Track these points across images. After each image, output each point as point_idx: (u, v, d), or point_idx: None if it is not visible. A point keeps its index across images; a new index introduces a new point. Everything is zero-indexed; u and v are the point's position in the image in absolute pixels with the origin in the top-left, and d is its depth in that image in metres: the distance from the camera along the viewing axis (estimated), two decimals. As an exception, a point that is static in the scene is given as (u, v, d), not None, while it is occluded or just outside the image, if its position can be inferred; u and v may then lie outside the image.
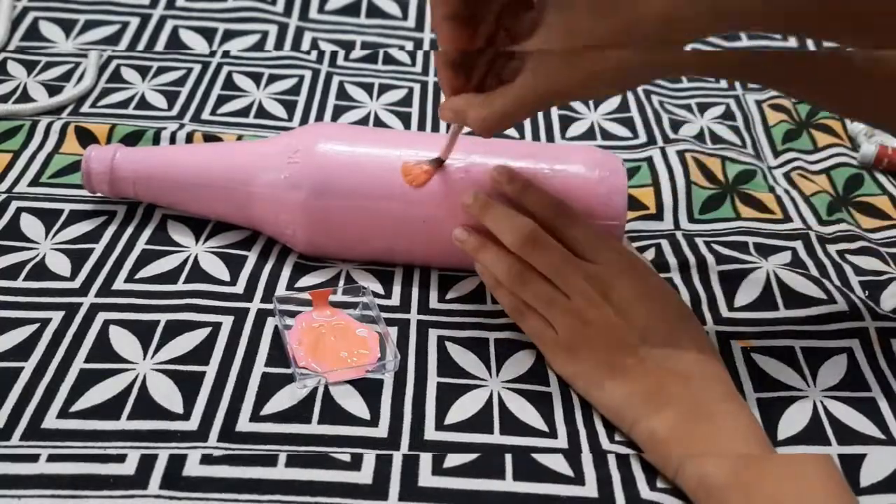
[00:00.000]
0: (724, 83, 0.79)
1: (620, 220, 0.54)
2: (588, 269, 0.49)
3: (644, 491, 0.45)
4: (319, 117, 0.71)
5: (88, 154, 0.58)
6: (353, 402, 0.48)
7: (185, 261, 0.56)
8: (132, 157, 0.58)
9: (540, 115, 0.74)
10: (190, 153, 0.59)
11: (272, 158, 0.55)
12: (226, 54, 0.76)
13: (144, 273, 0.55)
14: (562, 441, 0.47)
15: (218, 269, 0.56)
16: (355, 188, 0.54)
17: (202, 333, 0.51)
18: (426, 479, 0.45)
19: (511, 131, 0.72)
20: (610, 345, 0.48)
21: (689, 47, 0.44)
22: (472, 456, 0.46)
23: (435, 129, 0.71)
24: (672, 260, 0.59)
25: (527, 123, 0.73)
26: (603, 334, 0.48)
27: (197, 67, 0.75)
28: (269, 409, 0.48)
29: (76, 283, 0.54)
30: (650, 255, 0.60)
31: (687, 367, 0.47)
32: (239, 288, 0.55)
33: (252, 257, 0.57)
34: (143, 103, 0.70)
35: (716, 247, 0.61)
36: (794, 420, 0.49)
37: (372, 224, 0.55)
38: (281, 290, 0.55)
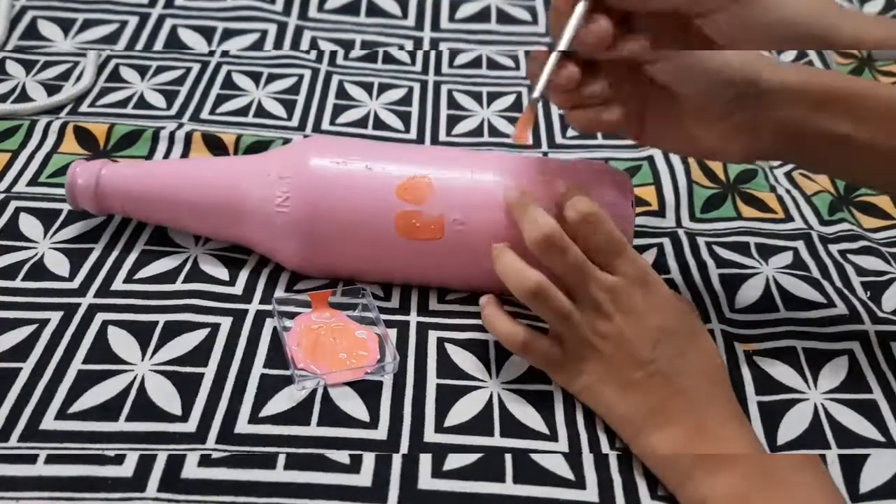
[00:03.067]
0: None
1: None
2: (602, 280, 0.48)
3: (645, 498, 0.45)
4: (319, 116, 0.71)
5: (73, 170, 0.55)
6: (353, 404, 0.48)
7: (185, 262, 0.56)
8: (118, 175, 0.56)
9: (540, 115, 0.73)
10: (178, 175, 0.56)
11: (262, 185, 0.53)
12: (225, 53, 0.76)
13: (143, 273, 0.55)
14: (562, 444, 0.47)
15: (217, 270, 0.56)
16: (347, 234, 0.52)
17: (201, 334, 0.51)
18: (426, 481, 0.45)
19: (513, 130, 0.71)
20: (619, 358, 0.47)
21: None
22: (473, 458, 0.46)
23: (435, 128, 0.71)
24: (672, 262, 0.59)
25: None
26: (612, 347, 0.47)
27: (196, 67, 0.74)
28: (267, 410, 0.47)
29: (75, 284, 0.54)
30: (652, 254, 0.60)
31: (693, 385, 0.46)
32: (238, 289, 0.55)
33: (251, 259, 0.57)
34: (142, 102, 0.70)
35: (716, 248, 0.61)
36: (794, 423, 0.49)
37: (365, 263, 0.54)
38: (280, 291, 0.55)
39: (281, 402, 0.48)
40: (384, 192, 0.52)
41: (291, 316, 0.53)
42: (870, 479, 0.46)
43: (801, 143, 0.48)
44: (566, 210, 0.49)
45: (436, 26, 0.83)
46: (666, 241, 0.61)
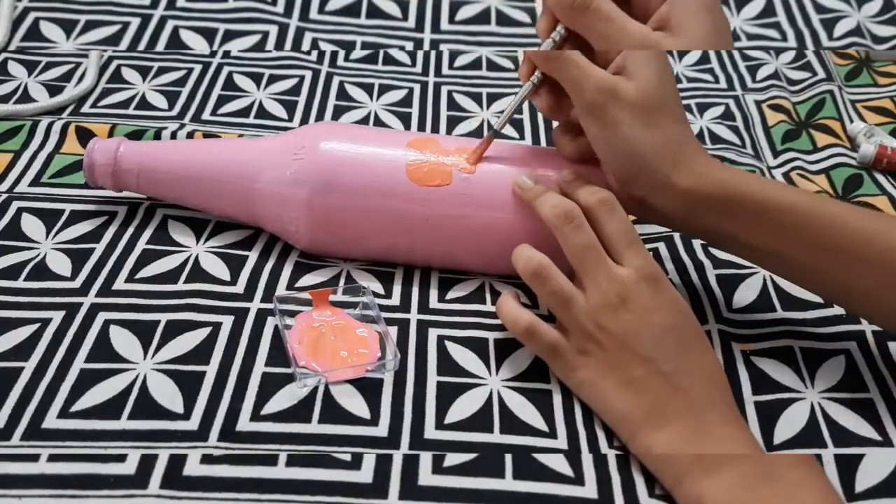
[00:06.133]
0: (723, 83, 0.79)
1: None
2: (613, 269, 0.48)
3: (643, 496, 0.45)
4: (320, 118, 0.71)
5: (92, 146, 0.57)
6: (354, 402, 0.49)
7: (186, 261, 0.56)
8: (136, 149, 0.58)
9: (540, 116, 0.74)
10: (194, 148, 0.59)
11: (277, 155, 0.55)
12: (226, 55, 0.77)
13: (145, 273, 0.55)
14: (562, 440, 0.48)
15: (218, 268, 0.56)
16: (359, 185, 0.54)
17: (202, 333, 0.51)
18: (426, 477, 0.45)
19: (511, 131, 0.72)
20: (621, 354, 0.47)
21: None
22: (472, 455, 0.46)
23: (435, 129, 0.71)
24: (669, 264, 0.59)
25: (526, 123, 0.73)
26: (615, 342, 0.47)
27: (197, 68, 0.75)
28: (269, 408, 0.48)
29: (77, 283, 0.54)
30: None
31: (693, 386, 0.46)
32: (239, 288, 0.55)
33: (252, 257, 0.57)
34: (144, 103, 0.70)
35: (713, 249, 0.61)
36: (791, 423, 0.49)
37: (375, 221, 0.55)
38: (281, 289, 0.55)
39: (282, 399, 0.48)
40: (396, 144, 0.55)
41: (293, 314, 0.53)
42: (865, 479, 0.46)
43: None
44: (585, 196, 0.50)
45: (436, 28, 0.83)
46: (661, 246, 0.61)
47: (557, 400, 0.50)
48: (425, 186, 0.54)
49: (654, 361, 0.47)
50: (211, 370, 0.49)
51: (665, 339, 0.47)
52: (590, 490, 0.45)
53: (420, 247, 0.56)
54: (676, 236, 0.62)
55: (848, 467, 0.47)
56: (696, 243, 0.61)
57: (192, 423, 0.46)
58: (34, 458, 0.44)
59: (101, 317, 0.52)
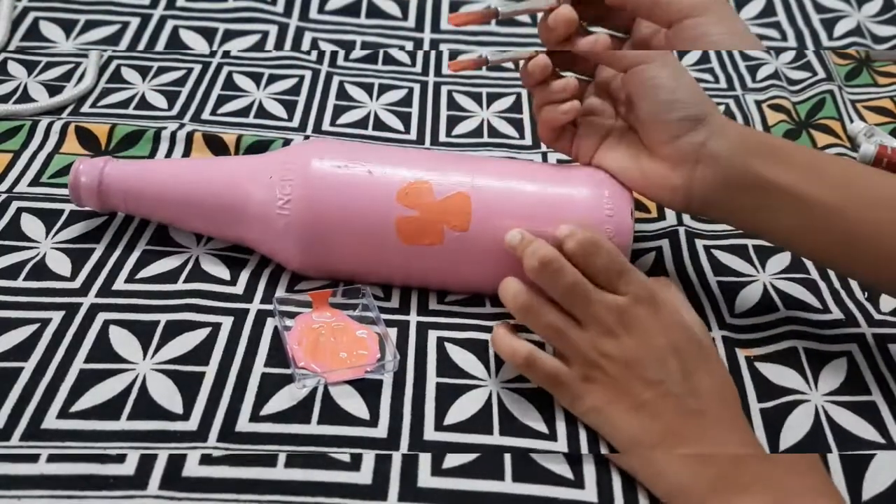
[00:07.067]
0: (723, 83, 0.79)
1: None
2: (607, 299, 0.47)
3: (644, 500, 0.45)
4: (319, 117, 0.71)
5: (76, 168, 0.56)
6: (353, 403, 0.49)
7: (186, 261, 0.56)
8: (122, 172, 0.56)
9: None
10: (181, 173, 0.56)
11: (264, 186, 0.53)
12: (226, 54, 0.77)
13: (145, 273, 0.55)
14: (561, 442, 0.47)
15: (218, 269, 0.56)
16: (349, 242, 0.53)
17: (202, 334, 0.52)
18: (425, 479, 0.45)
19: (512, 131, 0.72)
20: (627, 378, 0.46)
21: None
22: (472, 456, 0.46)
23: (435, 129, 0.71)
24: (671, 266, 0.59)
25: (527, 125, 0.73)
26: (619, 367, 0.47)
27: (197, 67, 0.75)
28: (268, 409, 0.48)
29: (76, 283, 0.54)
30: (651, 257, 0.60)
31: (705, 407, 0.46)
32: (239, 289, 0.55)
33: (252, 259, 0.57)
34: (144, 103, 0.70)
35: (715, 252, 0.61)
36: (796, 426, 0.49)
37: (366, 268, 0.54)
38: (281, 291, 0.55)
39: (282, 400, 0.48)
40: (385, 197, 0.52)
41: (292, 315, 0.53)
42: (874, 484, 0.46)
43: (736, 187, 0.50)
44: (565, 244, 0.49)
45: (436, 27, 0.83)
46: (665, 243, 0.61)
47: (557, 402, 0.50)
48: (416, 245, 0.53)
49: (663, 384, 0.46)
50: (210, 371, 0.49)
51: (670, 360, 0.47)
52: (590, 493, 0.45)
53: (415, 282, 0.56)
54: (681, 231, 0.62)
55: (855, 472, 0.46)
56: (699, 244, 0.61)
57: (192, 424, 0.46)
58: (34, 458, 0.44)
59: (101, 317, 0.52)
